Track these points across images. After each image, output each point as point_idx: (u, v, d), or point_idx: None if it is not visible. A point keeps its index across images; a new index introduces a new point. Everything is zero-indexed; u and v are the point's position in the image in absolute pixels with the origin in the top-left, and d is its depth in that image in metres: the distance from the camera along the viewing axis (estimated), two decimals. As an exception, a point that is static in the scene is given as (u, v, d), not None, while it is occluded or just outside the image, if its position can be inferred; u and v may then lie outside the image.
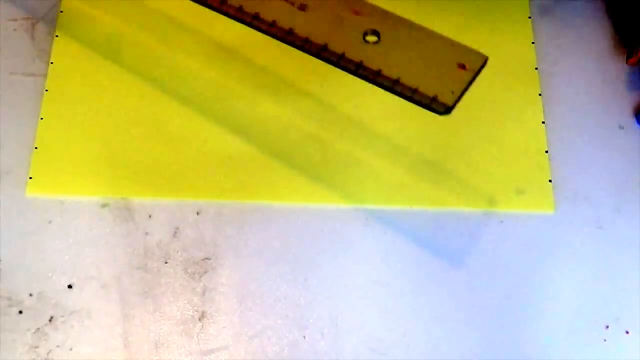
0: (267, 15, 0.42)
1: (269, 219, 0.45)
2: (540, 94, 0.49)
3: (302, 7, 0.42)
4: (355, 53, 0.41)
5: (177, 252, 0.44)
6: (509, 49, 0.50)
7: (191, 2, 0.50)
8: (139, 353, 0.42)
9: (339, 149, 0.47)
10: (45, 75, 0.48)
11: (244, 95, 0.48)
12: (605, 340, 0.43)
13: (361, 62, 0.41)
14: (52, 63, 0.49)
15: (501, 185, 0.46)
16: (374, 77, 0.41)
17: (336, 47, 0.41)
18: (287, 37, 0.41)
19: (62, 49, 0.49)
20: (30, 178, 0.45)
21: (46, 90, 0.48)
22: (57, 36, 0.49)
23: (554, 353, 0.43)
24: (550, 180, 0.47)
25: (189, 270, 0.44)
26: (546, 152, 0.47)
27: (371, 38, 0.42)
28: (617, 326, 0.43)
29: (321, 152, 0.47)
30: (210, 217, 0.45)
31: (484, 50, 0.50)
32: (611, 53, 0.51)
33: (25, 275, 0.43)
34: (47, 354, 0.41)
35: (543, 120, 0.48)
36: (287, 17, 0.42)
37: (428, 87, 0.40)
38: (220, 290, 0.43)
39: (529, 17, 0.52)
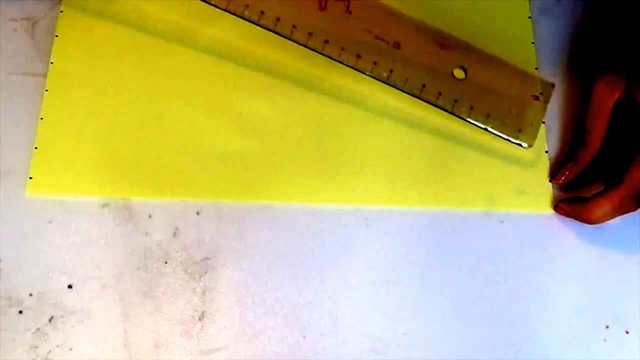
0: (368, 57, 0.46)
1: (269, 219, 0.45)
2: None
3: (397, 45, 0.45)
4: (449, 91, 0.45)
5: (177, 252, 0.44)
6: (509, 48, 0.50)
7: (191, 2, 0.50)
8: (139, 353, 0.42)
9: (339, 148, 0.47)
10: (45, 75, 0.48)
11: (244, 95, 0.48)
12: (605, 340, 0.43)
13: (456, 99, 0.45)
14: (52, 63, 0.49)
15: (501, 185, 0.46)
16: (468, 115, 0.45)
17: (432, 86, 0.45)
18: (388, 79, 0.46)
19: (62, 49, 0.49)
20: (30, 178, 0.45)
21: (46, 90, 0.48)
22: (57, 36, 0.49)
23: (554, 353, 0.43)
24: (550, 180, 0.47)
25: (189, 270, 0.44)
26: (546, 152, 0.47)
27: (459, 73, 0.45)
28: (617, 326, 0.43)
29: (321, 152, 0.47)
30: (210, 217, 0.45)
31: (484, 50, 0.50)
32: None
33: (25, 275, 0.43)
34: (47, 354, 0.41)
35: (543, 120, 0.48)
36: (386, 58, 0.45)
37: (513, 121, 0.45)
38: (220, 290, 0.43)
39: (529, 17, 0.52)
